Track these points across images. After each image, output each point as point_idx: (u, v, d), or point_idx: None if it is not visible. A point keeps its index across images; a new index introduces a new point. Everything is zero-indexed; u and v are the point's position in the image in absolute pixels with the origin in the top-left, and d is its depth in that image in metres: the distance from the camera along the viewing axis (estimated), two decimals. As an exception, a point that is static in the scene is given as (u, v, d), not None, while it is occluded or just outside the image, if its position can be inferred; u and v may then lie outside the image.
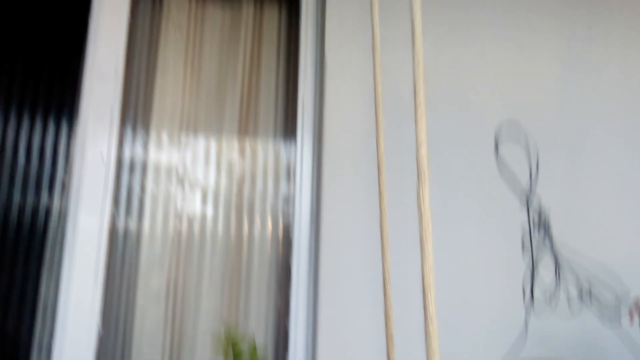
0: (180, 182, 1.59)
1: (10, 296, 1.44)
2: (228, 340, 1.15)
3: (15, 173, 1.51)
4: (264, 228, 1.59)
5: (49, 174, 1.52)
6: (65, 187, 1.51)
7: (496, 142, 1.49)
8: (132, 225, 1.54)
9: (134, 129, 1.60)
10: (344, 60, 1.51)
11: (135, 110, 1.61)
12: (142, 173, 1.59)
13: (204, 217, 1.58)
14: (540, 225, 1.44)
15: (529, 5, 1.63)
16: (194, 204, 1.58)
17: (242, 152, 1.63)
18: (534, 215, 1.44)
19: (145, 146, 1.60)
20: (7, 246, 1.46)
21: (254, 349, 1.16)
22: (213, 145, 1.63)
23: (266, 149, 1.64)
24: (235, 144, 1.64)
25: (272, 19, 1.73)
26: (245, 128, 1.65)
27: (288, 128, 1.65)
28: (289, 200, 1.60)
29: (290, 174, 1.62)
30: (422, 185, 0.59)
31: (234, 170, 1.62)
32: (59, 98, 1.58)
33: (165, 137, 1.61)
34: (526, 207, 1.44)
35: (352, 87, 1.50)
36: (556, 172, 1.51)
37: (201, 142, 1.63)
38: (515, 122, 1.52)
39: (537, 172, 1.48)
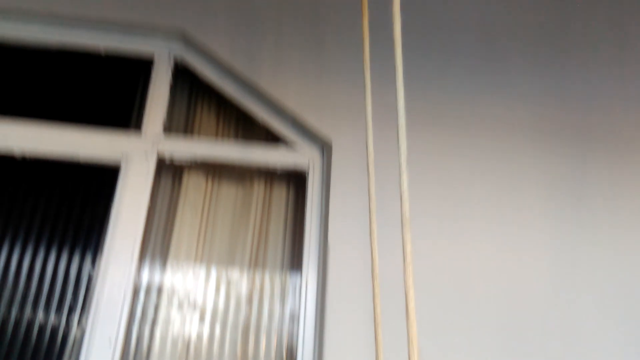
0: (191, 305, 1.66)
1: None
2: None
3: (39, 297, 1.59)
4: (269, 349, 1.62)
5: (70, 298, 1.60)
6: (84, 312, 1.58)
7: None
8: (143, 346, 1.60)
9: (152, 268, 1.69)
10: (345, 237, 1.62)
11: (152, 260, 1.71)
12: (157, 300, 1.66)
13: (210, 338, 1.61)
14: None
15: (516, 198, 1.78)
16: (201, 326, 1.64)
17: (251, 282, 1.70)
18: None
19: (160, 279, 1.68)
20: None
21: None
22: (223, 275, 1.70)
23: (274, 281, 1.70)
24: (245, 275, 1.70)
25: (281, 195, 1.89)
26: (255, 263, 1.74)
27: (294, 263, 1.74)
28: (293, 323, 1.66)
29: (295, 302, 1.69)
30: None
31: (242, 295, 1.69)
32: (85, 240, 1.70)
33: (179, 272, 1.69)
34: None
35: (352, 254, 1.59)
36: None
37: (213, 272, 1.70)
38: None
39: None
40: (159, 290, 1.69)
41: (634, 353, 1.57)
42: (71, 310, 1.61)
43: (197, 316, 1.66)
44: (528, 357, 1.53)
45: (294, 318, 1.67)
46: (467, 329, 1.55)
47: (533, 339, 1.56)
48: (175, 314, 1.66)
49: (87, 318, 1.57)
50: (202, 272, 1.73)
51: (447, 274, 1.62)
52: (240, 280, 1.73)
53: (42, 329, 1.58)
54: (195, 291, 1.70)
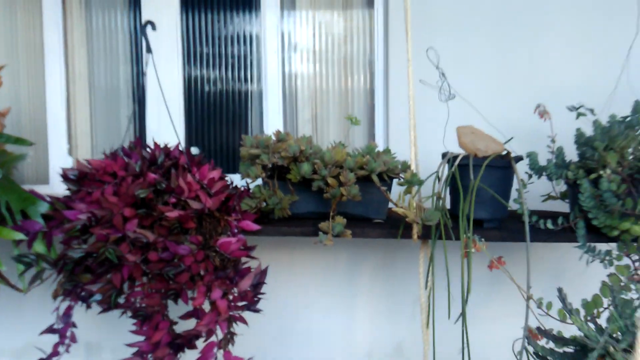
0: (314, 52, 2.39)
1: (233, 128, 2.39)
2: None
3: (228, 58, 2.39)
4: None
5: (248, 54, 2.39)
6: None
7: None
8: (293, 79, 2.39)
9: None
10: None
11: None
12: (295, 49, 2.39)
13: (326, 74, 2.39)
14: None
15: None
16: (320, 67, 2.39)
17: (345, 22, 2.38)
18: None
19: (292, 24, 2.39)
20: (233, 96, 2.40)
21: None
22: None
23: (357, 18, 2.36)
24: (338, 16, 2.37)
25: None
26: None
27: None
28: (372, 61, 2.35)
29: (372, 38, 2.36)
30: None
31: (338, 39, 2.39)
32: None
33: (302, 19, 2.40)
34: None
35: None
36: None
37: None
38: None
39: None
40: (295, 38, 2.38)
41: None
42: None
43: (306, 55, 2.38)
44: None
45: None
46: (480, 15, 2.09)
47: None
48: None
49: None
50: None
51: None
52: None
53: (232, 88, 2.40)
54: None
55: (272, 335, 2.17)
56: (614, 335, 1.07)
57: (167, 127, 2.30)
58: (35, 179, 2.36)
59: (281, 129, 2.33)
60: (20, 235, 1.50)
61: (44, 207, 1.57)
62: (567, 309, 1.18)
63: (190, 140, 2.37)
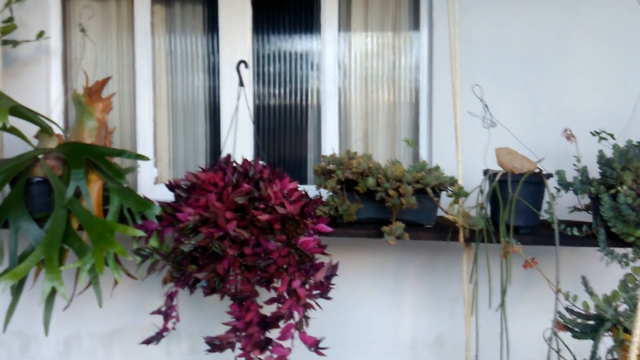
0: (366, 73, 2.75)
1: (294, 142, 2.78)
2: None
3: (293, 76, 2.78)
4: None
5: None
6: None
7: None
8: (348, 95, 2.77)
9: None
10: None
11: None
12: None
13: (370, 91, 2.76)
14: None
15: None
16: (371, 87, 2.75)
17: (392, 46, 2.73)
18: None
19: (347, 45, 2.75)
20: (294, 113, 2.79)
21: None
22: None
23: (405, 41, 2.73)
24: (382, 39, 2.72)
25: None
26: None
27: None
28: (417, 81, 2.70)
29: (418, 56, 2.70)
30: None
31: (388, 59, 2.73)
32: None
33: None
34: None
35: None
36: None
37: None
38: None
39: None
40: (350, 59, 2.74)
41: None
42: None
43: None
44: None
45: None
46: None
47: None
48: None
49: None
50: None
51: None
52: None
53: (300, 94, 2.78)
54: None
55: (331, 322, 2.50)
56: (624, 312, 1.37)
57: (238, 142, 2.66)
58: (126, 186, 2.76)
59: (337, 145, 2.67)
60: (140, 233, 1.87)
61: (156, 210, 1.93)
62: (588, 291, 1.48)
63: (257, 154, 2.72)
